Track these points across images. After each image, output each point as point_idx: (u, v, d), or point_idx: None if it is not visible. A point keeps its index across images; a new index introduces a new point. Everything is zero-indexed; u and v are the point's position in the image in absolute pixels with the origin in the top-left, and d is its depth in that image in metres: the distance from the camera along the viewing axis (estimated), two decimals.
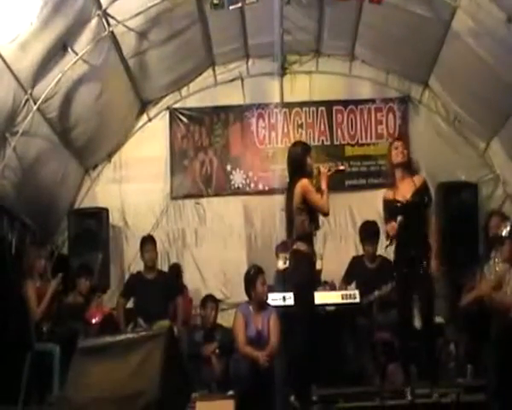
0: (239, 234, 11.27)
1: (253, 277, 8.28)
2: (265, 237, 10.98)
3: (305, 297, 7.19)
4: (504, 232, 7.80)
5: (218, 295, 10.17)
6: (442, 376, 7.55)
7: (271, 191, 11.00)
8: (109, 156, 11.44)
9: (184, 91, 11.62)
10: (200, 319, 9.77)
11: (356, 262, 9.53)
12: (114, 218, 11.18)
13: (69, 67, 8.93)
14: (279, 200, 11.05)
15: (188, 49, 10.70)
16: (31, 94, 8.77)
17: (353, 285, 9.26)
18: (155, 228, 11.09)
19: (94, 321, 9.28)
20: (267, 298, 8.43)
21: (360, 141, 11.42)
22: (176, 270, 10.41)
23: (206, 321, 9.46)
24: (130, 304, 9.82)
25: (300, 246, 7.17)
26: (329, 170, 7.51)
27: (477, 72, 9.42)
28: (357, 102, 11.48)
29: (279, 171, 10.96)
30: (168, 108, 11.58)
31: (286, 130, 11.45)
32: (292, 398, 7.14)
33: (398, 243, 7.35)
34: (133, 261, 10.72)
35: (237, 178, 11.41)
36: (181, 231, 11.34)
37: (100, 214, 10.83)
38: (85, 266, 9.91)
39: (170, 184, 11.43)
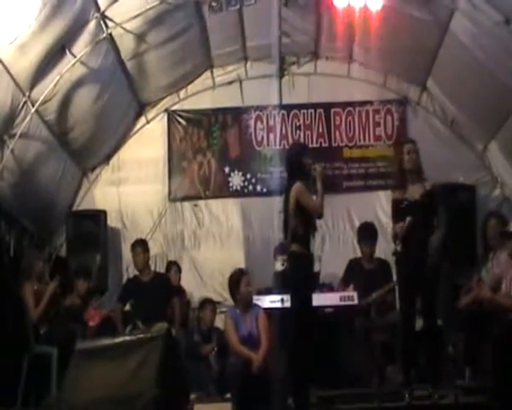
0: (237, 236, 11.28)
1: (236, 279, 8.27)
2: (264, 239, 10.97)
3: (302, 299, 7.17)
4: None
5: (216, 298, 10.18)
6: (440, 377, 7.54)
7: (270, 193, 10.98)
8: (107, 158, 11.44)
9: (182, 93, 11.63)
10: (197, 321, 9.77)
11: (354, 264, 9.52)
12: (112, 220, 11.19)
13: (67, 70, 8.95)
14: (277, 202, 11.07)
15: (186, 52, 10.71)
16: (29, 96, 8.78)
17: (351, 287, 9.24)
18: (153, 230, 11.11)
19: (92, 323, 9.27)
20: (252, 298, 8.41)
21: (358, 143, 11.43)
22: (173, 268, 10.36)
23: (204, 324, 9.45)
24: (127, 307, 9.79)
25: (297, 248, 7.15)
26: (324, 169, 7.47)
27: (475, 73, 9.43)
28: (355, 104, 11.50)
29: (277, 173, 10.98)
30: (166, 110, 11.59)
31: (284, 132, 11.45)
32: (290, 400, 7.13)
33: (404, 244, 7.29)
34: (131, 263, 10.69)
35: (235, 180, 11.42)
36: (179, 233, 11.34)
37: (98, 216, 10.84)
38: (83, 267, 9.91)
39: (168, 186, 11.44)
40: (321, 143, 11.44)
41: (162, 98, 11.58)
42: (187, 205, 11.45)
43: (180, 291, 10.16)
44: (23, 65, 8.37)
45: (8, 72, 8.24)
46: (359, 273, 9.29)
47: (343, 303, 8.65)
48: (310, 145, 11.30)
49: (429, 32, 9.53)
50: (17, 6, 7.64)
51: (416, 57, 10.45)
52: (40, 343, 8.38)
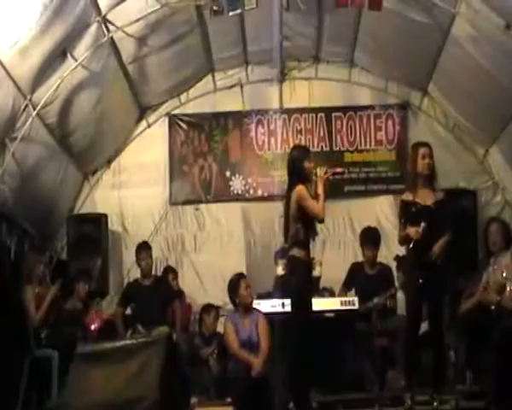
0: (238, 240, 11.26)
1: (235, 283, 8.27)
2: (264, 243, 10.97)
3: (301, 303, 7.15)
4: None
5: (217, 302, 10.15)
6: (442, 382, 7.51)
7: (271, 197, 10.99)
8: (108, 162, 11.45)
9: (184, 97, 11.64)
10: (199, 326, 9.77)
11: (355, 269, 9.50)
12: (113, 223, 11.19)
13: (68, 73, 8.95)
14: (278, 206, 11.05)
15: (187, 56, 10.72)
16: (30, 100, 8.77)
17: (353, 292, 9.24)
18: (154, 234, 11.10)
19: (93, 327, 9.26)
20: (252, 302, 8.40)
21: (359, 147, 11.43)
22: (170, 273, 10.35)
23: (206, 329, 9.45)
24: (128, 310, 9.79)
25: (297, 252, 7.12)
26: (326, 173, 7.42)
27: (476, 78, 9.43)
28: (356, 109, 11.49)
29: (278, 177, 10.99)
30: (167, 113, 11.60)
31: (285, 136, 11.46)
32: (291, 405, 7.12)
33: (415, 248, 7.24)
34: (132, 267, 10.69)
35: (236, 184, 11.42)
36: (180, 236, 11.34)
37: (99, 220, 10.83)
38: (84, 270, 9.91)
39: (169, 190, 11.44)
40: (322, 147, 11.44)
41: (163, 102, 11.58)
42: (188, 209, 11.45)
43: (181, 295, 10.16)
44: (24, 68, 8.37)
45: (10, 75, 8.24)
46: (361, 278, 9.28)
47: (344, 308, 8.63)
48: (311, 150, 11.30)
49: (430, 36, 9.53)
50: (18, 9, 7.64)
51: (418, 62, 10.45)
52: (41, 347, 8.40)
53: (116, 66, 9.92)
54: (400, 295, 8.92)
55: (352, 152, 11.41)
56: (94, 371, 6.62)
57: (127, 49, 9.80)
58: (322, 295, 9.15)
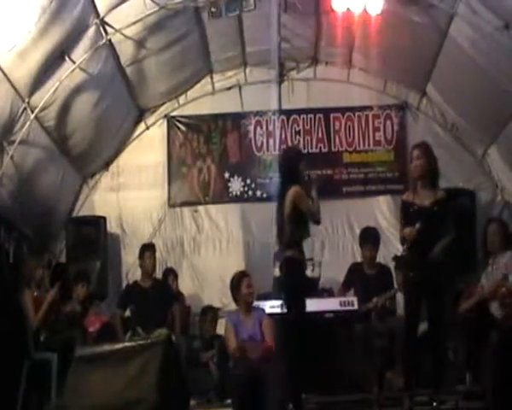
0: (237, 241, 11.27)
1: (237, 281, 8.24)
2: (263, 244, 10.94)
3: (297, 304, 7.15)
4: None
5: (217, 303, 10.17)
6: (441, 383, 7.52)
7: (269, 199, 10.96)
8: (107, 164, 11.45)
9: (182, 99, 11.64)
10: (199, 328, 9.77)
11: (355, 269, 9.49)
12: (112, 226, 11.19)
13: (67, 76, 8.96)
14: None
15: (185, 57, 10.72)
16: (28, 102, 8.78)
17: (352, 292, 9.24)
18: (153, 236, 11.09)
19: (92, 330, 9.27)
20: (253, 300, 8.40)
21: (358, 148, 11.42)
22: (170, 275, 10.35)
23: (205, 332, 9.45)
24: (127, 313, 9.78)
25: (292, 253, 7.12)
26: (318, 176, 7.43)
27: (474, 79, 9.43)
28: (354, 109, 11.49)
29: (277, 178, 10.95)
30: (166, 115, 11.60)
31: (284, 137, 11.46)
32: (290, 406, 7.11)
33: (412, 249, 7.24)
34: (131, 269, 10.71)
35: (235, 186, 11.42)
36: (179, 238, 11.34)
37: (98, 222, 10.83)
38: (83, 273, 9.89)
39: (168, 192, 11.44)
40: (320, 148, 11.44)
41: (162, 104, 11.59)
42: (186, 211, 11.45)
43: (180, 297, 10.15)
44: (22, 71, 8.37)
45: (8, 78, 8.24)
46: (360, 278, 9.28)
47: (343, 308, 8.63)
48: (309, 150, 11.36)
49: (429, 37, 9.54)
50: (16, 12, 7.64)
51: (416, 62, 10.45)
52: (40, 350, 8.38)
53: (114, 68, 9.93)
54: (399, 296, 8.92)
55: (350, 153, 11.41)
56: (93, 374, 6.61)
57: (125, 51, 9.81)
58: (321, 296, 9.15)
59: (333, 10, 9.55)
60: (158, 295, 9.53)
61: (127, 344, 7.50)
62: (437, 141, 10.95)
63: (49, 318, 8.90)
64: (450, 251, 7.15)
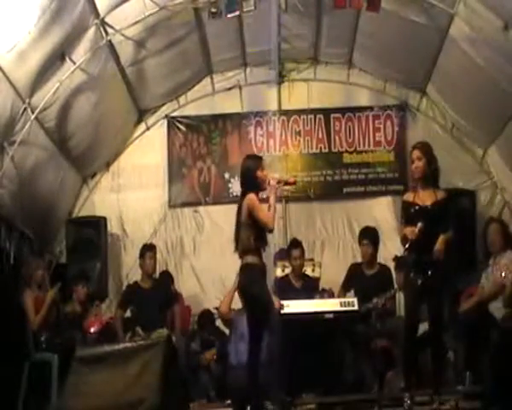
0: None
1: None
2: None
3: (258, 309, 7.13)
4: None
5: (217, 304, 10.15)
6: (441, 383, 7.52)
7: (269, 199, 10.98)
8: (107, 165, 11.44)
9: (182, 100, 11.63)
10: (198, 329, 9.78)
11: (354, 270, 9.50)
12: (112, 226, 11.18)
13: (67, 76, 8.95)
14: (277, 208, 11.09)
15: (185, 58, 10.72)
16: (29, 103, 8.77)
17: (352, 293, 9.24)
18: (153, 236, 11.06)
19: (92, 330, 9.27)
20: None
21: (358, 148, 11.40)
22: (167, 278, 10.35)
23: (206, 331, 9.47)
24: (128, 313, 9.79)
25: (249, 259, 7.10)
26: (279, 182, 7.42)
27: (474, 79, 9.43)
28: (354, 110, 11.48)
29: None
30: (166, 116, 11.59)
31: (284, 138, 11.45)
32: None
33: (413, 249, 7.24)
34: (131, 270, 10.70)
35: (235, 186, 11.37)
36: (179, 239, 11.33)
37: (98, 223, 10.82)
38: (83, 274, 9.91)
39: (168, 193, 11.43)
40: (321, 148, 11.43)
41: (162, 104, 11.58)
42: (187, 211, 11.43)
43: (179, 298, 10.15)
44: (22, 72, 8.37)
45: (8, 79, 8.23)
46: (360, 279, 9.29)
47: (343, 309, 8.62)
48: (309, 151, 11.37)
49: (429, 37, 9.53)
50: (16, 13, 7.64)
51: (416, 63, 10.45)
52: (40, 350, 8.41)
53: (114, 69, 9.92)
54: (399, 296, 8.92)
55: (350, 153, 11.39)
56: (93, 375, 6.63)
57: (125, 52, 9.81)
58: (321, 297, 9.15)
59: (333, 10, 9.55)
60: (158, 296, 9.54)
61: (127, 345, 7.53)
62: (437, 141, 10.87)
63: (49, 318, 8.93)
64: (450, 251, 7.15)
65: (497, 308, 7.86)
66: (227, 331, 9.14)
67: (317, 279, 9.73)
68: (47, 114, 9.18)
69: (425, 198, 7.26)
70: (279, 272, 9.80)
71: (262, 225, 7.11)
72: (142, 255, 9.86)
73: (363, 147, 11.41)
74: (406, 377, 7.32)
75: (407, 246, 7.20)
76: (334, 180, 11.34)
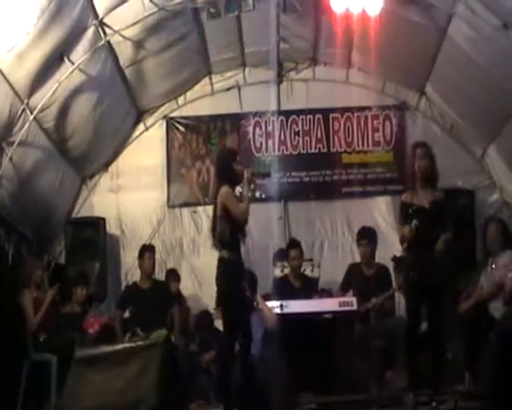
0: None
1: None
2: (262, 245, 10.92)
3: (232, 305, 7.13)
4: None
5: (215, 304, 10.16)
6: (440, 383, 7.52)
7: (268, 199, 11.01)
8: (106, 166, 11.44)
9: (181, 100, 11.63)
10: (197, 329, 9.77)
11: (353, 269, 9.51)
12: (111, 227, 11.18)
13: (66, 77, 8.95)
14: (276, 208, 11.13)
15: (184, 58, 10.72)
16: (27, 104, 8.77)
17: (350, 293, 9.23)
18: (152, 237, 11.08)
19: (91, 331, 9.26)
20: (254, 300, 8.41)
21: (357, 148, 11.41)
22: (172, 276, 10.35)
23: (206, 331, 9.46)
24: (127, 314, 9.78)
25: (225, 254, 7.15)
26: (253, 175, 7.43)
27: (473, 78, 9.43)
28: (353, 110, 11.48)
29: (276, 179, 11.00)
30: (165, 116, 11.59)
31: (283, 138, 11.45)
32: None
33: (411, 248, 7.24)
34: (130, 270, 10.71)
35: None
36: (178, 239, 11.33)
37: (97, 224, 10.82)
38: (82, 274, 9.90)
39: (167, 193, 11.43)
40: (319, 148, 11.43)
41: (161, 105, 11.58)
42: (186, 212, 11.43)
43: (180, 299, 10.15)
44: (21, 73, 8.37)
45: (7, 80, 8.23)
46: (359, 279, 9.29)
47: (342, 309, 8.63)
48: (308, 151, 11.37)
49: (428, 37, 9.53)
50: (15, 14, 7.63)
51: (415, 62, 10.45)
52: (39, 351, 8.40)
53: (113, 69, 9.92)
54: (398, 296, 8.93)
55: (349, 153, 11.40)
56: (92, 375, 6.63)
57: (124, 52, 9.80)
58: (320, 296, 9.15)
59: (332, 11, 9.55)
60: (157, 297, 9.54)
61: (126, 345, 7.52)
62: (436, 141, 10.91)
63: (48, 319, 8.92)
64: (448, 250, 7.16)
65: (496, 308, 7.86)
66: None
67: (315, 279, 9.73)
68: (46, 115, 9.19)
69: (423, 198, 7.27)
70: (278, 273, 9.79)
71: (234, 217, 7.12)
72: (141, 256, 9.87)
73: (361, 147, 11.42)
74: (409, 376, 7.31)
75: (405, 245, 7.20)
76: (333, 180, 11.34)
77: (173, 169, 11.50)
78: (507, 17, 8.07)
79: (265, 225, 10.99)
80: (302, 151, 11.41)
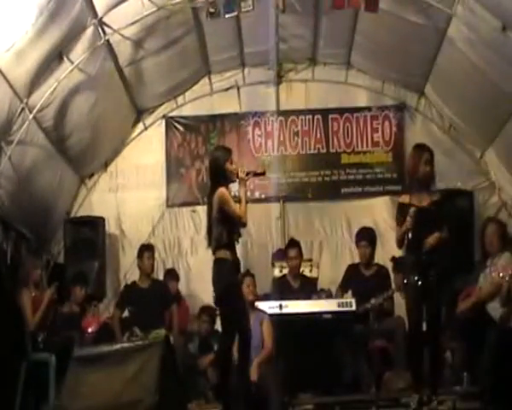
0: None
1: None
2: (261, 245, 10.96)
3: (228, 305, 7.13)
4: None
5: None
6: (438, 383, 7.52)
7: (268, 199, 11.02)
8: (105, 165, 11.44)
9: (180, 100, 11.63)
10: (197, 327, 9.75)
11: (352, 270, 9.51)
12: (111, 226, 11.18)
13: (65, 76, 8.95)
14: (275, 208, 11.13)
15: (184, 58, 10.72)
16: (26, 103, 8.77)
17: (350, 293, 9.23)
18: (151, 236, 11.08)
19: (90, 330, 9.28)
20: (254, 301, 8.40)
21: (356, 149, 11.41)
22: (171, 276, 10.35)
23: (203, 331, 9.43)
24: (125, 313, 9.78)
25: (221, 254, 7.09)
26: (248, 174, 7.36)
27: (472, 80, 9.44)
28: (353, 110, 11.48)
29: (275, 179, 11.01)
30: (164, 116, 11.59)
31: (282, 138, 11.45)
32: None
33: (411, 249, 7.24)
34: (129, 270, 10.70)
35: (233, 187, 11.36)
36: (177, 239, 11.33)
37: (96, 223, 10.82)
38: (81, 274, 9.90)
39: (166, 193, 11.44)
40: (319, 149, 11.43)
41: (160, 104, 11.58)
42: (185, 211, 11.43)
43: (179, 298, 10.15)
44: (20, 72, 8.37)
45: (6, 78, 8.23)
46: (357, 279, 9.29)
47: (341, 309, 8.62)
48: (307, 151, 11.37)
49: (427, 37, 9.54)
50: (14, 13, 7.63)
51: (414, 63, 10.46)
52: (38, 351, 8.38)
53: (112, 68, 9.92)
54: (397, 297, 8.92)
55: (348, 154, 11.40)
56: (91, 375, 6.62)
57: (123, 51, 9.81)
58: (319, 297, 9.14)
59: (331, 11, 9.55)
60: (156, 296, 9.54)
61: (125, 345, 7.52)
62: (435, 142, 10.93)
63: (46, 318, 8.92)
64: (445, 250, 7.15)
65: (494, 309, 7.85)
66: None
67: (314, 280, 9.73)
68: (45, 114, 9.19)
69: (421, 199, 7.27)
70: (277, 273, 9.79)
71: (236, 219, 7.07)
72: (140, 255, 9.86)
73: (361, 147, 11.42)
74: (413, 377, 7.30)
75: (405, 242, 7.20)
76: (332, 181, 11.34)
77: (172, 169, 11.50)
78: (506, 18, 8.07)
79: (264, 225, 11.01)
80: (301, 151, 11.42)
